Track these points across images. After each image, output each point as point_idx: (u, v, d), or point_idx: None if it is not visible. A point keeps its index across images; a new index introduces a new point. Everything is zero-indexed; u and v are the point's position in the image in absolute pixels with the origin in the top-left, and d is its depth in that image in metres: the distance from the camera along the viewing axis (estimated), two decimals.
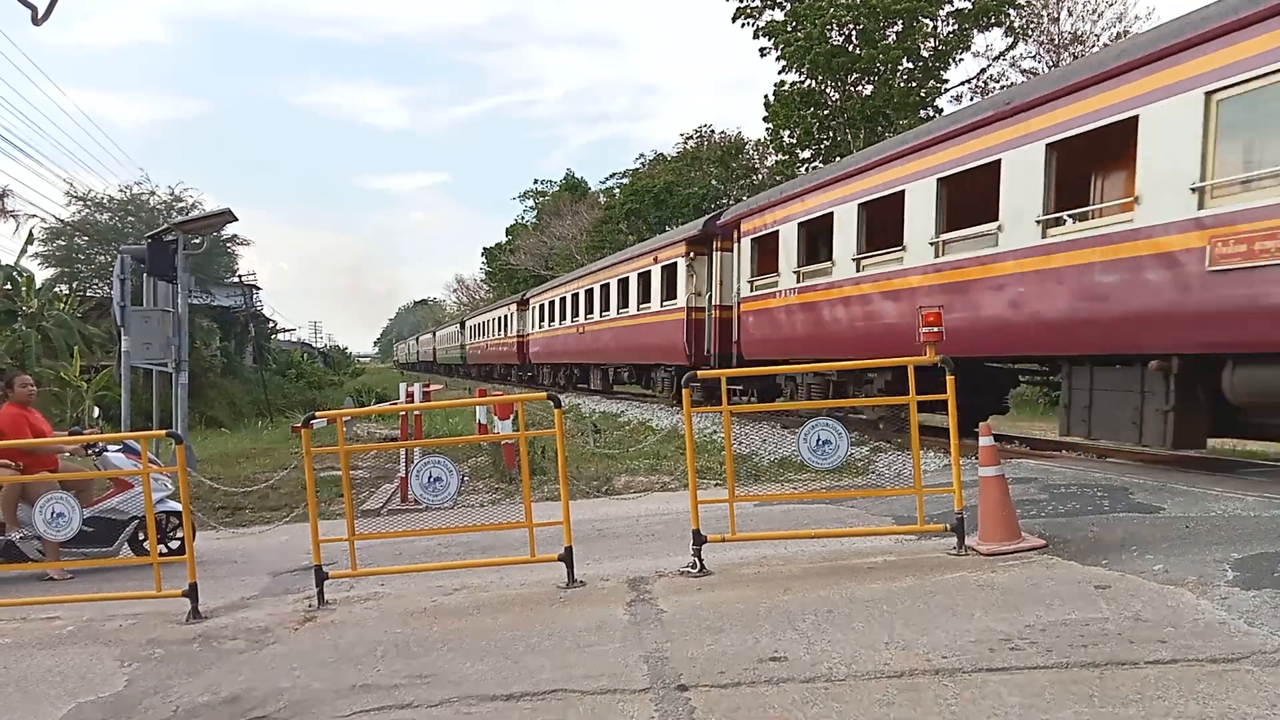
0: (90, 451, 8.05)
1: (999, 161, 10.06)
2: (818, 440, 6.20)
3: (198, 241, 17.33)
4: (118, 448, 8.10)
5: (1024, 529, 6.42)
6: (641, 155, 58.87)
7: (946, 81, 35.62)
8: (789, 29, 34.85)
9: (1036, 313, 9.51)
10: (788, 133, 36.73)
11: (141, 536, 7.83)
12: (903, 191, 11.86)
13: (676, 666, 4.41)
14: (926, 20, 34.18)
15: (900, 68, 34.43)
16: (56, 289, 30.00)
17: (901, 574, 5.78)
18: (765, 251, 16.29)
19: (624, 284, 23.97)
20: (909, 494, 6.82)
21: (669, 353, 20.31)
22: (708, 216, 20.34)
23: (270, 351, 42.74)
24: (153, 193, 33.17)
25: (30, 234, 30.05)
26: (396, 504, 11.01)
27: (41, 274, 30.13)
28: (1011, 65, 35.50)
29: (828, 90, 35.71)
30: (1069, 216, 9.59)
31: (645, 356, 22.50)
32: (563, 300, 30.42)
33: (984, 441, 6.32)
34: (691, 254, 19.42)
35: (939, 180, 11.15)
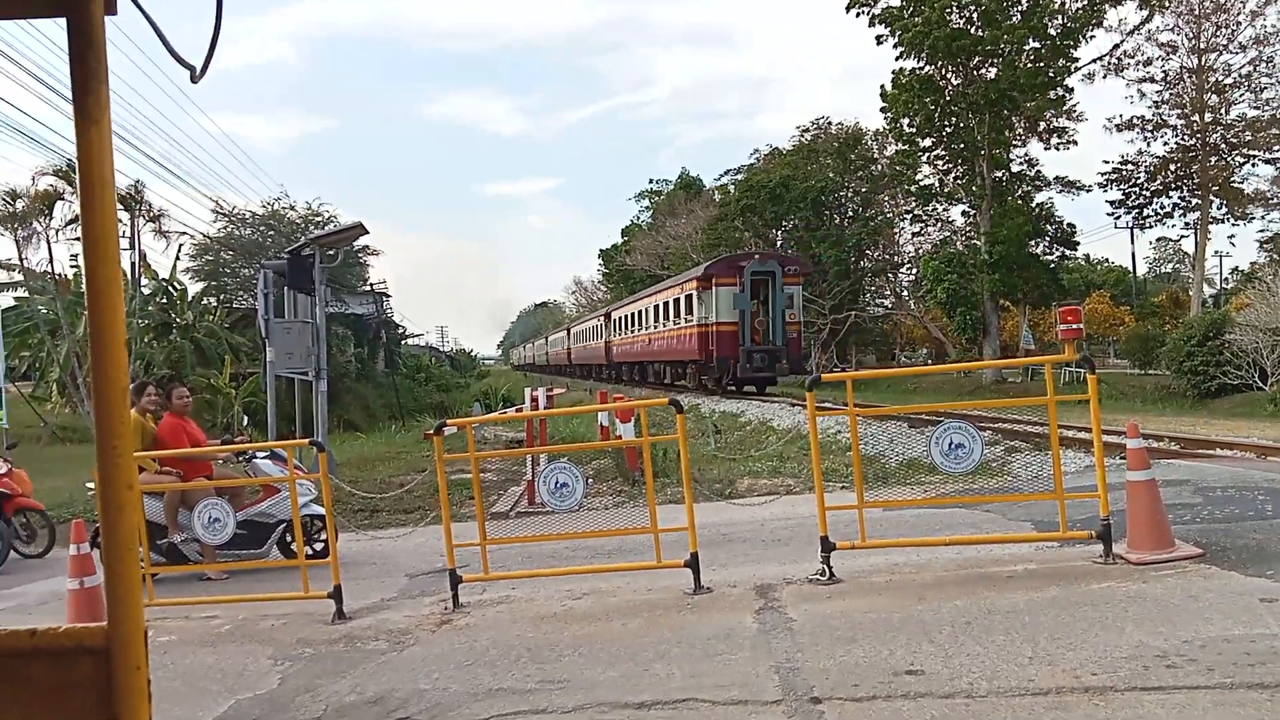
0: (241, 458, 8.55)
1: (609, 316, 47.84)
2: (950, 444, 6.01)
3: (332, 253, 18.14)
4: (265, 455, 8.57)
5: (1177, 536, 6.05)
6: (756, 150, 58.19)
7: (1077, 60, 33.90)
8: (906, 14, 33.88)
9: (652, 347, 36.12)
10: (907, 121, 35.72)
11: (289, 539, 8.25)
12: (663, 304, 34.06)
13: (808, 678, 4.34)
14: None
15: (1026, 48, 32.98)
16: (205, 301, 32.01)
17: (1044, 583, 5.54)
18: (613, 322, 45.45)
19: (587, 329, 56.25)
20: (1049, 499, 6.53)
21: (598, 358, 49.58)
22: (604, 309, 52.52)
23: (400, 356, 44.39)
24: (291, 208, 34.93)
25: (179, 250, 32.22)
26: (524, 506, 11.26)
27: (192, 287, 32.27)
28: (1148, 39, 33.52)
29: (948, 75, 34.56)
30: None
31: (588, 361, 54.48)
32: (567, 334, 66.56)
33: (1132, 444, 5.98)
34: (602, 320, 48.98)
35: (664, 302, 34.40)
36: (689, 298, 29.91)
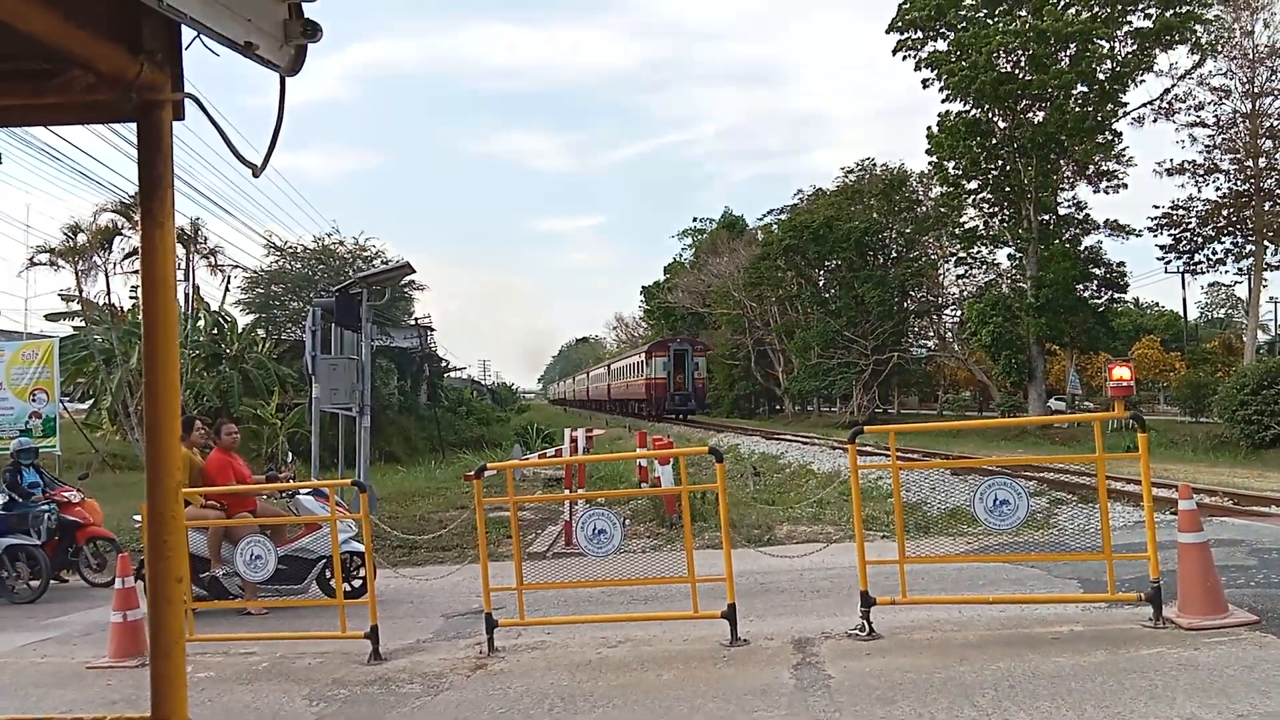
0: (284, 494, 8.66)
1: (610, 366, 72.89)
2: (995, 500, 5.90)
3: (379, 289, 18.41)
4: (308, 491, 8.67)
5: (1230, 601, 5.87)
6: (800, 191, 58.18)
7: (1126, 104, 33.56)
8: (953, 59, 33.86)
9: (628, 390, 59.33)
10: (952, 164, 35.55)
11: (328, 575, 8.31)
12: (630, 364, 60.93)
13: None
14: (1102, 42, 32.39)
15: (1074, 92, 32.73)
16: (255, 333, 32.63)
17: (1090, 647, 5.39)
18: (611, 372, 69.70)
19: (599, 374, 76.41)
20: (1097, 559, 6.38)
21: (604, 396, 70.04)
22: (606, 362, 78.54)
23: (442, 389, 44.73)
24: (341, 243, 35.59)
25: (228, 282, 32.97)
26: (561, 547, 11.23)
27: (242, 319, 32.94)
28: (1199, 84, 33.08)
29: (995, 119, 34.40)
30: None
31: (598, 398, 73.21)
32: (588, 376, 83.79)
33: (1184, 505, 5.83)
34: (606, 369, 73.47)
35: (631, 363, 61.32)
36: (640, 362, 54.43)
